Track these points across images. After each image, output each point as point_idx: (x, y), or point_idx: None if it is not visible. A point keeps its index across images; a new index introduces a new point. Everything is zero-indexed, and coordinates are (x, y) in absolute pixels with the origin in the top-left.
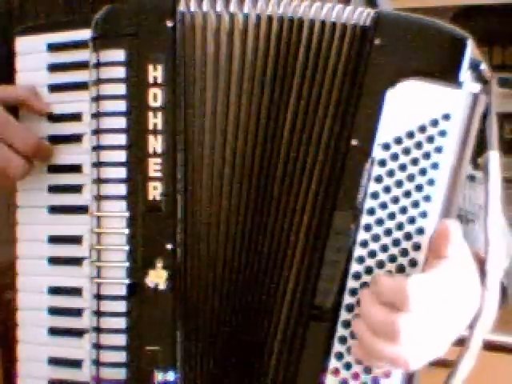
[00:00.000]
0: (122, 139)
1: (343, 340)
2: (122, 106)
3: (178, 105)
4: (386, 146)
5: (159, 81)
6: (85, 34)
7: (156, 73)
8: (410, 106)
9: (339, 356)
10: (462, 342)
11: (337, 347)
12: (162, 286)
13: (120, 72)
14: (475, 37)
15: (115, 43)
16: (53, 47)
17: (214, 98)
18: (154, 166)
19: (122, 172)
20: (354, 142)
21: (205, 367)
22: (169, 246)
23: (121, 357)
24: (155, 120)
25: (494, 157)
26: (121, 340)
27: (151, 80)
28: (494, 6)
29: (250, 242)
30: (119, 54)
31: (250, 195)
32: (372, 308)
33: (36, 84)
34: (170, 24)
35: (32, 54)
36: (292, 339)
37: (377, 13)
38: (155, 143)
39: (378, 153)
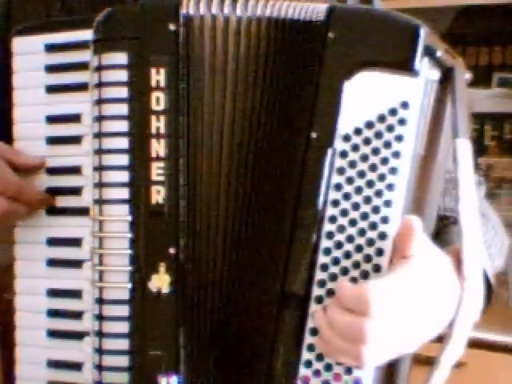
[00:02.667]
0: (124, 143)
1: (314, 332)
2: (124, 109)
3: (181, 108)
4: (347, 137)
5: (162, 84)
6: (83, 34)
7: (159, 76)
8: (367, 96)
9: (311, 348)
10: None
11: (308, 339)
12: (165, 290)
13: (122, 75)
14: (475, 37)
15: (117, 46)
16: (50, 48)
17: (216, 101)
18: (157, 170)
19: (124, 176)
20: (313, 135)
21: (208, 371)
22: (172, 251)
23: (124, 361)
24: (158, 124)
25: (462, 145)
26: (124, 344)
27: (154, 83)
28: (494, 5)
29: (252, 245)
30: (121, 57)
31: (253, 198)
32: (337, 314)
33: (33, 84)
34: (172, 27)
35: (29, 54)
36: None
37: (330, 7)
38: (158, 147)
39: (338, 144)
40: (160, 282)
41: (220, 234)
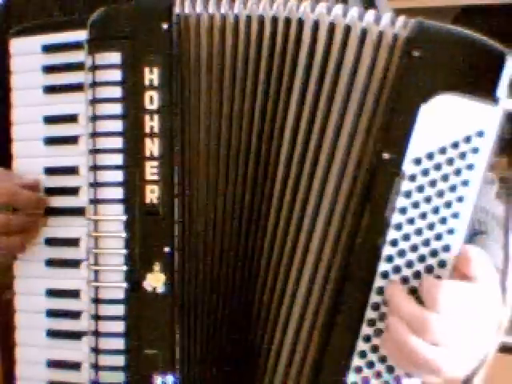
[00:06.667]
0: (118, 142)
1: (364, 355)
2: (118, 108)
3: (175, 107)
4: (418, 161)
5: (155, 83)
6: (80, 35)
7: (152, 75)
8: (444, 121)
9: (363, 355)
10: None
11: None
12: (160, 289)
13: (116, 75)
14: None
15: (111, 46)
16: (48, 48)
17: (210, 99)
18: (151, 169)
19: (118, 175)
20: (385, 156)
21: (204, 370)
22: (166, 249)
23: (120, 360)
24: (152, 123)
25: None
26: (120, 344)
27: (147, 82)
28: (494, 5)
29: (247, 244)
30: (115, 57)
31: (247, 197)
32: (404, 300)
33: (31, 85)
34: (165, 26)
35: (27, 55)
36: (307, 342)
37: (418, 22)
38: (152, 146)
39: (408, 167)
40: (155, 281)
41: (215, 234)
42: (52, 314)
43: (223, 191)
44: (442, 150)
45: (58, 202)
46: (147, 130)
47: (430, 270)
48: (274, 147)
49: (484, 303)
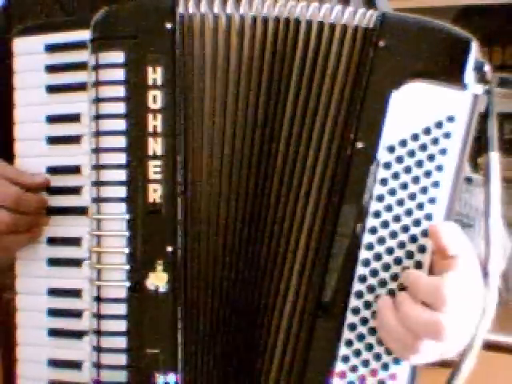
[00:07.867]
0: (121, 141)
1: (350, 343)
2: (121, 108)
3: (178, 106)
4: (391, 149)
5: (159, 83)
6: (83, 34)
7: (155, 75)
8: (415, 107)
9: (346, 359)
10: None
11: (343, 350)
12: (163, 288)
13: (119, 74)
14: (475, 37)
15: (114, 45)
16: (50, 48)
17: (212, 99)
18: (154, 169)
19: (121, 174)
20: (359, 145)
21: (206, 369)
22: (169, 249)
23: (121, 359)
24: (155, 122)
25: (495, 158)
26: (121, 342)
27: (151, 82)
28: (494, 6)
29: (249, 243)
30: (118, 56)
31: (250, 196)
32: (412, 310)
33: (34, 85)
34: (169, 26)
35: (30, 54)
36: (296, 339)
37: (381, 14)
38: (155, 145)
39: (383, 155)
40: (157, 280)
41: (218, 233)
42: (53, 313)
43: (226, 190)
44: (415, 137)
45: (60, 201)
46: (150, 130)
47: (410, 255)
48: (274, 146)
49: (470, 284)
